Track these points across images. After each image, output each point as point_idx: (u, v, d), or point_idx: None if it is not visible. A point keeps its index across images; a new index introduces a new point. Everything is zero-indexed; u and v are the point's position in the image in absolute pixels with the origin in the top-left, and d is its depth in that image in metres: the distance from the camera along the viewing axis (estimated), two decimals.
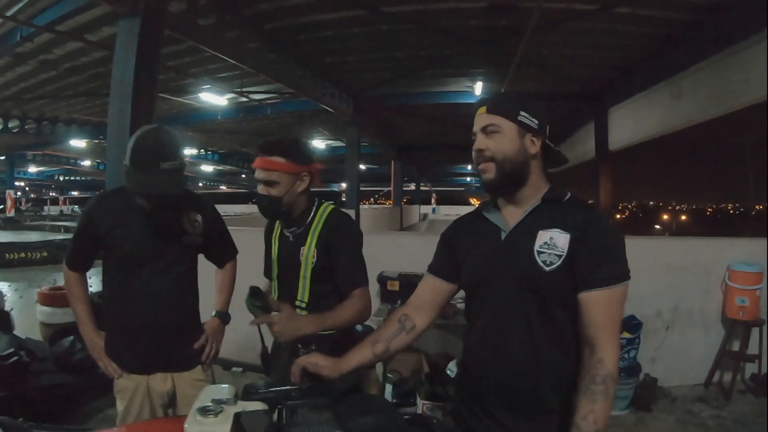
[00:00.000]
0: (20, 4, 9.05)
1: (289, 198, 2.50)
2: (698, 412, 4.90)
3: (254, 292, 2.32)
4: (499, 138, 1.81)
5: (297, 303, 2.55)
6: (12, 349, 4.13)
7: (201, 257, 2.88)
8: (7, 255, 15.58)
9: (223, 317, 2.92)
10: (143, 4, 6.52)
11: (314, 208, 2.61)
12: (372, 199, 65.07)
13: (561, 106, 16.58)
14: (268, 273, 2.82)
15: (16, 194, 38.72)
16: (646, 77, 11.95)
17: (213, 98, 15.42)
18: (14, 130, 19.53)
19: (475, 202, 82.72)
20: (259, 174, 2.48)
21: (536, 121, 1.83)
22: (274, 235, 2.73)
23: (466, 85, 14.66)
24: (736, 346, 5.31)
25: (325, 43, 11.59)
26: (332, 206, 2.67)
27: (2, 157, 34.77)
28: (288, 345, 2.44)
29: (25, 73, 13.88)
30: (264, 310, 2.30)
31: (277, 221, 2.71)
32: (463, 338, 2.03)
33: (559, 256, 1.73)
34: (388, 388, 4.44)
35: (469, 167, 41.74)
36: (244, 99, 16.21)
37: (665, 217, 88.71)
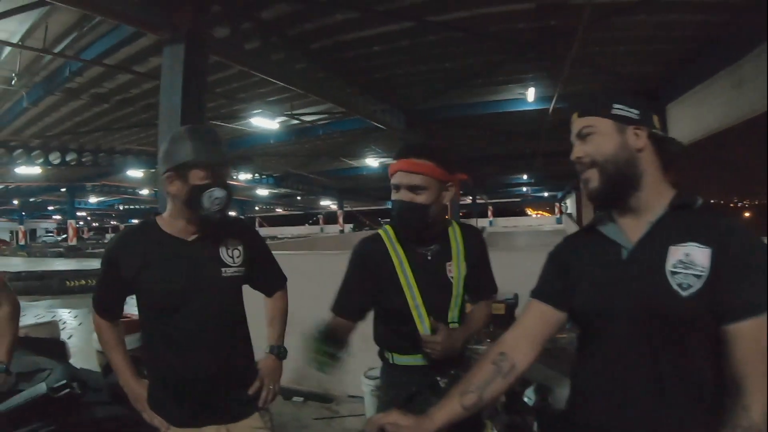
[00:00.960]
0: (67, 40, 9.27)
1: (436, 208, 2.27)
2: None
3: (327, 334, 2.13)
4: (595, 139, 1.59)
5: (452, 326, 2.33)
6: (64, 381, 4.04)
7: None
8: (67, 282, 15.94)
9: (279, 353, 2.56)
10: (186, 30, 6.51)
11: (448, 221, 2.45)
12: None
13: None
14: (344, 308, 2.42)
15: (77, 224, 40.27)
16: (703, 68, 11.38)
17: (265, 122, 15.52)
18: (72, 163, 19.94)
19: (531, 213, 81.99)
20: (401, 178, 2.25)
21: (636, 111, 1.58)
22: (394, 255, 2.34)
23: (519, 93, 14.32)
24: None
25: (373, 59, 11.47)
26: (455, 221, 2.50)
27: (63, 189, 35.90)
28: (425, 385, 2.25)
29: (78, 108, 14.31)
30: (334, 359, 2.14)
31: (390, 241, 2.37)
32: (573, 373, 1.74)
33: (699, 277, 1.40)
34: None
35: (525, 177, 41.17)
36: (296, 121, 16.29)
37: None
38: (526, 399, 4.07)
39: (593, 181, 1.58)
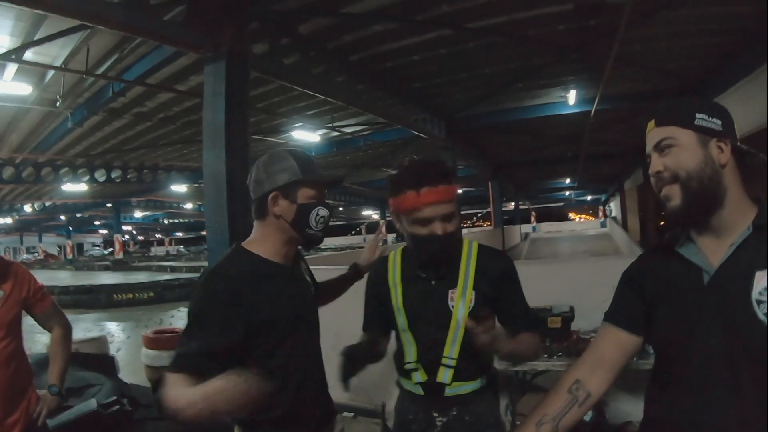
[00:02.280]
0: (109, 62, 9.47)
1: (454, 225, 2.06)
2: None
3: (349, 356, 2.05)
4: (677, 152, 1.46)
5: (444, 361, 2.08)
6: (115, 397, 4.07)
7: None
8: (115, 296, 16.24)
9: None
10: (226, 48, 6.58)
11: (460, 243, 2.19)
12: (468, 222, 64.40)
13: None
14: (370, 327, 2.33)
15: (123, 237, 41.18)
16: (747, 61, 10.93)
17: (306, 135, 15.69)
18: (117, 180, 20.44)
19: (574, 217, 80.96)
20: (435, 210, 1.99)
21: (719, 122, 1.47)
22: (391, 279, 2.22)
23: (560, 96, 14.16)
24: None
25: (412, 68, 11.46)
26: (476, 242, 2.24)
27: (109, 205, 36.78)
28: (421, 417, 2.14)
29: (121, 126, 14.71)
30: (348, 373, 2.05)
31: (393, 265, 2.25)
32: (647, 399, 1.64)
33: None
34: None
35: (567, 181, 40.68)
36: (336, 133, 16.38)
37: None
38: None
39: (675, 199, 1.46)
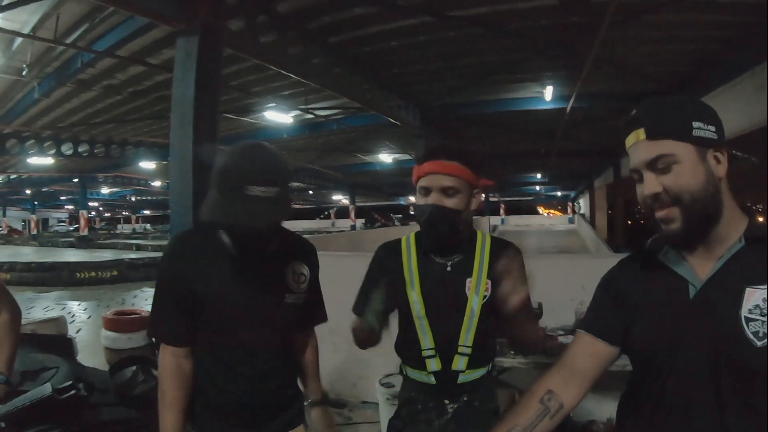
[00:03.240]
0: (79, 31, 9.20)
1: (466, 215, 2.05)
2: None
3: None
4: (679, 170, 1.30)
5: (460, 349, 2.06)
6: (70, 381, 3.91)
7: None
8: (78, 274, 15.97)
9: (324, 403, 2.31)
10: (200, 22, 6.38)
11: (474, 231, 2.19)
12: None
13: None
14: (363, 309, 2.06)
15: (89, 214, 40.65)
16: (726, 70, 11.15)
17: (278, 116, 15.46)
18: (84, 154, 20.09)
19: (543, 212, 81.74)
20: (432, 181, 2.00)
21: (713, 128, 1.32)
22: (406, 264, 2.15)
23: (536, 91, 14.20)
24: None
25: (390, 54, 11.36)
26: (489, 234, 2.24)
27: (75, 180, 36.18)
28: (432, 406, 2.10)
29: (90, 99, 14.39)
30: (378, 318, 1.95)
31: (408, 248, 2.17)
32: (620, 411, 1.56)
33: None
34: None
35: (539, 176, 41.01)
36: (310, 116, 16.23)
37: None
38: None
39: (675, 222, 1.31)
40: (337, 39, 10.32)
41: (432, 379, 2.09)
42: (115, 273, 16.50)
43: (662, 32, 9.95)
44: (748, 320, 1.24)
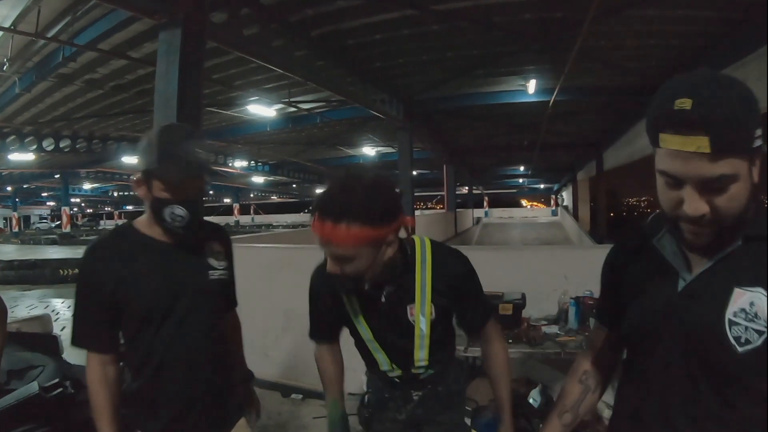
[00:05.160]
0: (60, 25, 9.08)
1: (373, 270, 1.77)
2: None
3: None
4: (734, 191, 1.10)
5: (417, 364, 2.02)
6: (57, 379, 3.90)
7: None
8: (61, 271, 15.81)
9: (250, 378, 2.45)
10: (182, 15, 6.34)
11: (411, 254, 1.96)
12: (423, 204, 64.79)
13: (620, 101, 15.86)
14: (320, 334, 2.17)
15: (71, 210, 40.29)
16: (708, 64, 11.23)
17: (261, 110, 15.36)
18: (66, 150, 19.85)
19: (527, 204, 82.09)
20: (324, 245, 1.71)
21: (760, 131, 1.08)
22: (345, 296, 2.00)
23: (519, 84, 14.24)
24: None
25: (374, 47, 11.34)
26: (428, 240, 2.03)
27: (57, 176, 35.86)
28: (398, 394, 2.12)
29: (71, 93, 14.16)
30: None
31: None
32: (617, 393, 1.54)
33: (761, 334, 1.12)
34: (466, 420, 4.03)
35: (522, 168, 41.14)
36: (293, 109, 16.16)
37: None
38: (531, 401, 3.96)
39: (702, 237, 1.17)
40: (320, 32, 10.27)
41: (396, 379, 2.10)
42: None
43: (645, 27, 10.01)
44: (732, 323, 1.16)
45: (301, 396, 5.37)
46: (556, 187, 58.83)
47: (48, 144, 18.92)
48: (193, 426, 2.06)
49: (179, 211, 1.88)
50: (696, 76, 1.10)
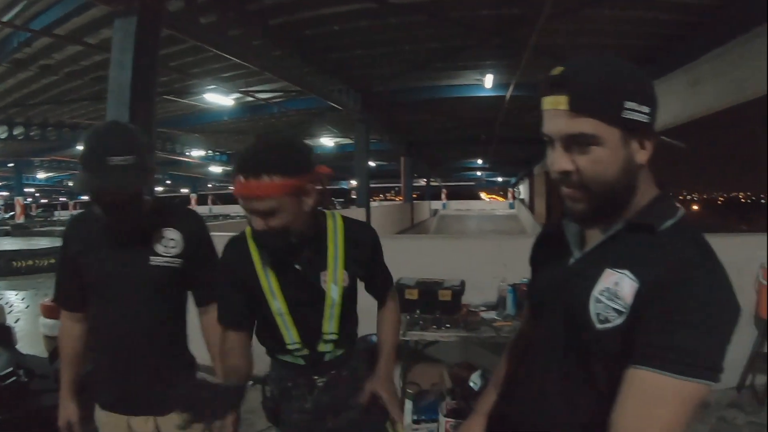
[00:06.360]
0: (16, 9, 8.87)
1: (298, 223, 1.84)
2: (732, 419, 4.56)
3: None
4: (597, 156, 1.16)
5: (325, 337, 2.05)
6: (11, 369, 3.87)
7: None
8: (14, 263, 15.46)
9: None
10: (139, 2, 6.27)
11: (323, 221, 2.03)
12: (382, 196, 65.00)
13: None
14: (230, 317, 2.10)
15: (25, 200, 39.36)
16: (662, 65, 11.59)
17: (219, 99, 15.26)
18: (19, 137, 19.45)
19: (486, 197, 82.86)
20: (247, 204, 1.78)
21: (647, 109, 1.15)
22: (257, 263, 2.02)
23: (476, 78, 14.40)
24: None
25: (332, 38, 11.35)
26: (339, 215, 2.12)
27: (10, 165, 34.98)
28: (302, 382, 2.10)
29: (26, 79, 13.85)
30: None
31: (255, 245, 2.02)
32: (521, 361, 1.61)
33: (620, 314, 1.15)
34: (408, 404, 4.12)
35: (480, 162, 41.50)
36: (251, 98, 16.07)
37: None
38: (471, 384, 4.06)
39: (580, 203, 1.22)
40: (278, 21, 10.24)
41: (301, 361, 2.10)
42: (52, 261, 15.96)
43: (601, 26, 10.26)
44: (597, 301, 1.19)
45: (251, 383, 5.40)
46: (513, 180, 59.48)
47: (1, 131, 18.53)
48: (129, 402, 2.20)
49: (100, 211, 2.01)
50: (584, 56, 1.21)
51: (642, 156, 1.19)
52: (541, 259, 1.51)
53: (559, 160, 1.20)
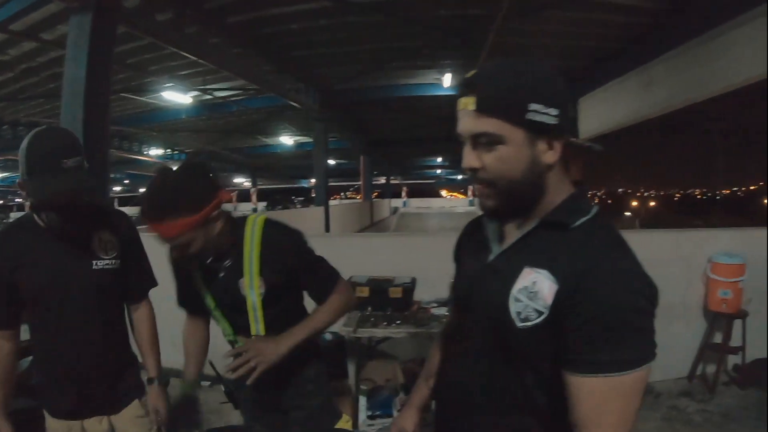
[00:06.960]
0: None
1: (212, 244, 2.01)
2: (684, 407, 4.73)
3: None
4: (501, 155, 1.21)
5: (254, 336, 2.18)
6: None
7: None
8: None
9: (162, 381, 2.44)
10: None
11: (241, 230, 2.14)
12: (342, 194, 64.88)
13: None
14: (188, 303, 2.38)
15: None
16: (617, 66, 11.97)
17: (177, 96, 15.02)
18: None
19: (446, 195, 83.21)
20: (162, 240, 1.92)
21: (555, 112, 1.19)
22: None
23: (435, 78, 14.54)
24: (718, 339, 5.16)
25: (290, 37, 11.32)
26: (262, 218, 2.19)
27: None
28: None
29: None
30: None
31: None
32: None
33: (540, 314, 1.19)
34: (362, 400, 4.19)
35: (439, 159, 41.70)
36: (209, 97, 15.96)
37: (634, 203, 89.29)
38: None
39: (489, 199, 1.27)
40: (236, 19, 10.20)
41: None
42: None
43: (559, 27, 10.46)
44: (516, 300, 1.23)
45: (209, 383, 5.42)
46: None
47: None
48: (84, 406, 2.24)
49: (51, 216, 2.04)
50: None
51: (550, 156, 1.23)
52: (464, 254, 1.57)
53: (467, 158, 1.26)
